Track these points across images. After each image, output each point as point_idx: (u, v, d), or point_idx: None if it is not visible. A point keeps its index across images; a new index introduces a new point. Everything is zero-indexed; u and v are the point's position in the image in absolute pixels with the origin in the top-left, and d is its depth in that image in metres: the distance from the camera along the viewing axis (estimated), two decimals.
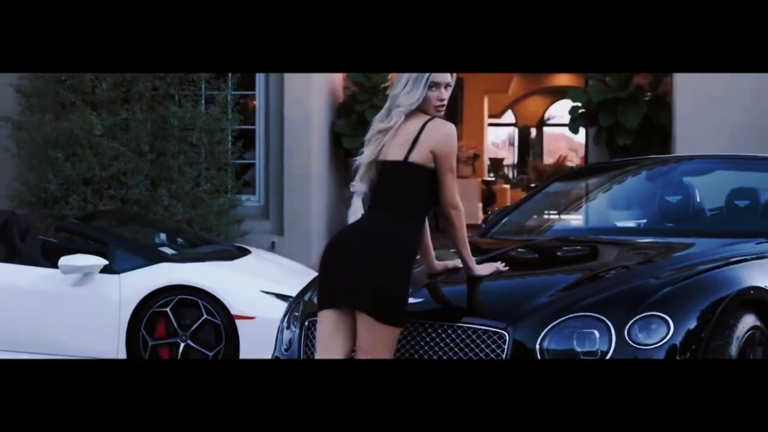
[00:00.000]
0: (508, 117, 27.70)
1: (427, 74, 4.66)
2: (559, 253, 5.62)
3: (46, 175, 10.89)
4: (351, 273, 4.53)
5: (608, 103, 11.89)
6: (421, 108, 4.69)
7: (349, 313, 4.57)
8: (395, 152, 4.65)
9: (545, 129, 28.12)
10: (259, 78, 12.19)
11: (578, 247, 5.73)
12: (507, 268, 4.95)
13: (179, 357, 8.11)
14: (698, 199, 6.24)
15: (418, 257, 4.98)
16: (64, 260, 8.20)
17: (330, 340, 4.62)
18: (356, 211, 11.89)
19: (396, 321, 4.51)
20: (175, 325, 8.15)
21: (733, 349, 4.57)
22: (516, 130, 28.18)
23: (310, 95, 11.92)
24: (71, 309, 8.24)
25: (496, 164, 24.26)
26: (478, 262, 4.96)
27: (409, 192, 4.66)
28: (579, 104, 12.25)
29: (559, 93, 23.20)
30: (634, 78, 11.94)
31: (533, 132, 27.96)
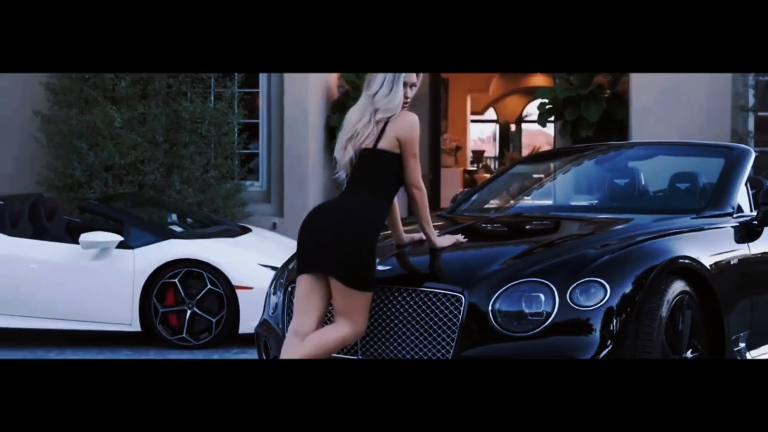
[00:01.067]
0: (491, 114, 27.62)
1: (402, 75, 4.68)
2: (512, 227, 5.63)
3: (72, 163, 10.78)
4: (325, 243, 4.56)
5: (572, 99, 11.85)
6: None
7: (322, 278, 4.59)
8: (367, 141, 4.68)
9: (523, 125, 28.03)
10: (262, 77, 12.11)
11: (530, 222, 5.73)
12: (465, 240, 4.98)
13: (186, 323, 8.13)
14: (642, 182, 6.24)
15: (388, 231, 5.00)
16: (84, 236, 8.21)
17: (305, 301, 4.64)
18: None
19: (365, 286, 4.53)
20: (183, 294, 8.15)
21: (664, 311, 4.57)
22: (497, 126, 28.11)
23: (308, 92, 11.84)
24: (91, 280, 8.23)
25: (478, 156, 24.20)
26: (441, 235, 4.98)
27: (379, 175, 4.68)
28: (546, 101, 12.24)
29: (535, 92, 23.14)
30: (595, 77, 11.91)
31: (513, 128, 27.88)
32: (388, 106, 4.64)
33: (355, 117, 4.73)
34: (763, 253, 5.47)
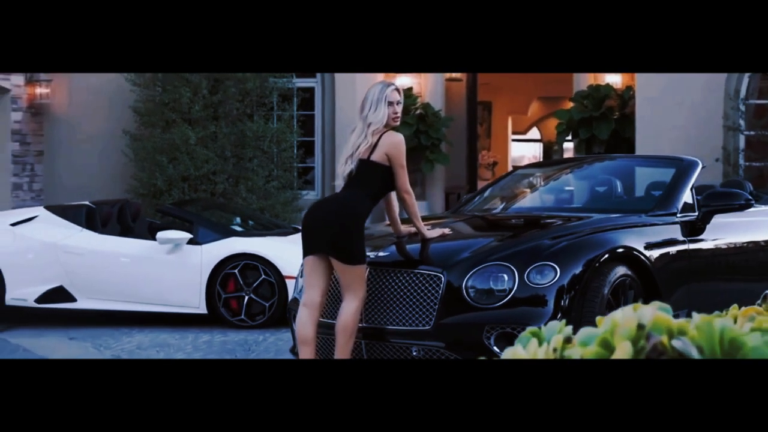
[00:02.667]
0: (535, 133, 28.03)
1: (385, 95, 5.37)
2: (490, 223, 6.29)
3: (154, 174, 11.38)
4: (320, 228, 5.28)
5: (586, 120, 12.42)
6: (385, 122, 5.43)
7: (323, 257, 5.31)
8: (363, 153, 5.39)
9: (564, 144, 28.35)
10: (317, 101, 12.80)
11: (508, 219, 6.38)
12: (450, 232, 5.66)
13: (244, 306, 8.81)
14: (609, 186, 6.82)
15: (387, 224, 5.71)
16: (160, 234, 8.90)
17: (310, 278, 5.36)
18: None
19: (356, 261, 5.21)
20: (241, 282, 8.75)
21: (606, 290, 5.21)
22: (541, 145, 28.52)
23: (356, 114, 12.49)
24: (166, 271, 8.85)
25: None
26: (431, 229, 5.66)
27: (369, 179, 5.38)
28: (563, 121, 12.82)
29: (554, 114, 23.35)
30: (606, 101, 12.47)
31: (556, 146, 28.21)
32: (376, 119, 5.32)
33: (354, 137, 5.44)
34: (700, 248, 6.05)
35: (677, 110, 11.59)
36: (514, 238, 5.46)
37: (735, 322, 2.97)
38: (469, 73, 15.15)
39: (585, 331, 1.89)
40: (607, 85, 12.52)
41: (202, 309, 8.80)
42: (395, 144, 5.37)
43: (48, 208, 9.57)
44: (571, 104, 12.82)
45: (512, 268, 5.11)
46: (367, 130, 5.38)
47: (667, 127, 11.65)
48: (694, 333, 1.73)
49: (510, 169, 24.10)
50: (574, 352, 1.83)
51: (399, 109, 5.46)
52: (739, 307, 2.97)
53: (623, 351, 1.73)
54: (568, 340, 1.95)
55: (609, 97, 12.42)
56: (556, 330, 2.05)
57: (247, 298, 8.78)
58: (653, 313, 1.80)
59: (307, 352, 5.36)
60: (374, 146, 5.36)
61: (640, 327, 1.78)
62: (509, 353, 2.00)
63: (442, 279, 5.18)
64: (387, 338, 5.28)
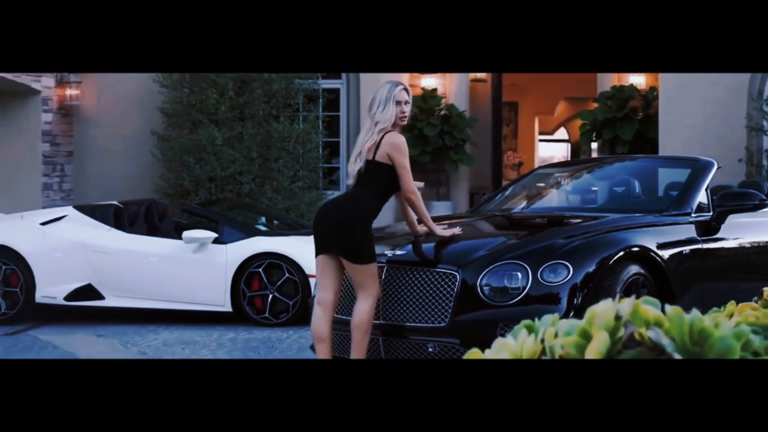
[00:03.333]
0: (563, 133, 28.06)
1: (393, 95, 5.48)
2: (507, 222, 6.42)
3: (182, 174, 11.55)
4: (329, 229, 5.41)
5: (609, 121, 12.50)
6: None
7: (333, 257, 5.44)
8: (368, 154, 5.52)
9: (593, 144, 28.37)
10: (342, 103, 12.98)
11: (524, 218, 6.50)
12: (461, 232, 5.76)
13: (268, 304, 8.96)
14: (624, 186, 6.92)
15: (405, 225, 5.84)
16: (186, 233, 9.09)
17: (322, 277, 5.50)
18: None
19: (365, 260, 5.34)
20: (266, 281, 8.90)
21: (618, 288, 5.32)
22: (569, 145, 28.56)
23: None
24: (191, 269, 9.03)
25: None
26: (445, 228, 5.78)
27: (375, 179, 5.50)
28: (587, 122, 12.90)
29: (578, 115, 23.40)
30: (630, 101, 12.55)
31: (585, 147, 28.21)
32: (384, 118, 5.44)
33: (361, 136, 5.57)
34: (714, 247, 6.14)
35: (700, 111, 11.65)
36: (529, 237, 5.58)
37: (731, 317, 3.10)
38: (493, 74, 15.26)
39: (567, 322, 2.03)
40: (631, 86, 12.60)
41: (228, 307, 8.97)
42: (395, 145, 5.46)
43: (77, 207, 9.79)
44: (595, 105, 12.90)
45: (526, 266, 5.23)
46: (374, 128, 5.49)
47: (690, 128, 11.71)
48: (668, 324, 1.86)
49: None
50: (557, 342, 1.96)
51: (407, 109, 5.56)
52: (737, 304, 3.10)
53: (599, 340, 1.87)
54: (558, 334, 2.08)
55: (633, 98, 12.49)
56: (549, 323, 2.19)
57: (271, 296, 8.94)
58: (631, 304, 1.94)
59: (323, 350, 5.50)
60: (378, 145, 5.47)
61: (618, 318, 1.91)
62: (498, 344, 2.14)
63: (458, 277, 5.31)
64: (404, 335, 5.41)
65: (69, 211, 9.66)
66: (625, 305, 1.93)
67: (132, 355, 7.87)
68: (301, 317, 8.85)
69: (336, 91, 13.00)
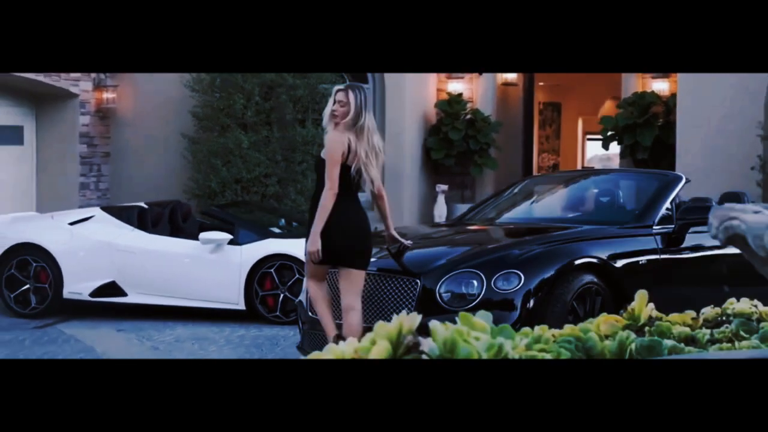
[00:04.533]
0: None
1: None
2: (471, 232, 6.90)
3: (209, 176, 12.07)
4: None
5: (630, 127, 12.79)
6: None
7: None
8: None
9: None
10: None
11: (490, 228, 6.97)
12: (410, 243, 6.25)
13: (279, 303, 9.50)
14: (604, 201, 7.35)
15: (382, 231, 6.35)
16: (202, 235, 9.64)
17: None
18: (440, 205, 13.12)
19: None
20: (277, 281, 9.42)
21: (569, 296, 5.78)
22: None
23: (405, 118, 13.04)
24: (208, 269, 9.59)
25: None
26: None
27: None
28: (608, 127, 13.25)
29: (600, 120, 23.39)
30: (651, 108, 12.85)
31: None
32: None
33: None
34: (672, 258, 6.55)
35: (717, 119, 11.91)
36: (487, 247, 6.08)
37: (598, 327, 3.63)
38: (524, 77, 15.66)
39: (379, 325, 2.54)
40: (652, 92, 12.91)
41: (241, 305, 9.51)
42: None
43: (103, 208, 10.44)
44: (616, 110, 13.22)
45: (480, 274, 5.72)
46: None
47: (706, 135, 11.98)
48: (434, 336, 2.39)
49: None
50: (358, 344, 2.48)
51: (337, 107, 6.03)
52: (668, 312, 3.65)
53: (380, 347, 2.39)
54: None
55: (654, 104, 12.78)
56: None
57: (282, 295, 9.46)
58: (415, 318, 2.46)
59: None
60: None
61: (400, 331, 2.44)
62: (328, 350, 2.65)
63: (418, 284, 5.82)
64: None
65: (96, 211, 10.32)
66: (410, 319, 2.46)
67: (145, 349, 8.49)
68: None
69: None
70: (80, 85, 12.98)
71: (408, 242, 6.20)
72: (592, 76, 19.69)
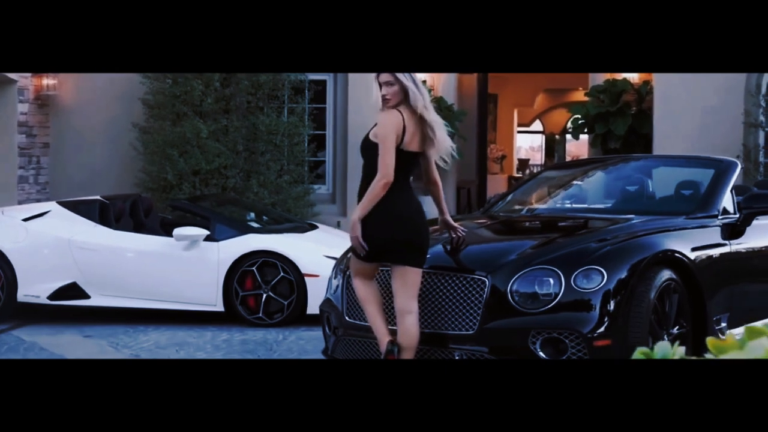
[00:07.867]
0: (538, 126, 28.01)
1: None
2: (530, 225, 6.25)
3: (165, 168, 11.33)
4: None
5: (602, 115, 12.37)
6: None
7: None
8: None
9: (567, 136, 28.38)
10: (329, 94, 12.73)
11: (547, 220, 6.32)
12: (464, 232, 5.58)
13: (262, 304, 8.75)
14: (646, 188, 6.78)
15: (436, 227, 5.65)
16: (177, 231, 8.84)
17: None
18: None
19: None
20: (260, 280, 8.71)
21: (652, 294, 5.16)
22: (543, 137, 28.51)
23: (369, 108, 12.42)
24: (182, 267, 8.80)
25: (523, 163, 24.68)
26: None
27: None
28: (579, 116, 12.77)
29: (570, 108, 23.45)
30: (623, 96, 12.43)
31: (558, 138, 28.24)
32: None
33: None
34: (742, 250, 6.02)
35: (696, 106, 11.56)
36: (559, 240, 5.41)
37: None
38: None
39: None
40: (624, 80, 12.48)
41: (219, 307, 8.77)
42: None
43: (60, 203, 9.49)
44: (580, 97, 12.76)
45: (558, 272, 5.06)
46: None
47: (685, 124, 11.63)
48: None
49: (516, 162, 24.19)
50: None
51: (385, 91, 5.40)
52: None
53: None
54: None
55: (626, 92, 12.37)
56: (669, 353, 2.04)
57: (265, 296, 8.74)
58: None
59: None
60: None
61: None
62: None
63: (487, 283, 5.13)
64: (431, 342, 5.22)
65: (52, 206, 9.38)
66: None
67: (123, 357, 7.62)
68: (297, 318, 8.67)
69: (323, 83, 12.78)
70: None
71: (462, 231, 5.49)
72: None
